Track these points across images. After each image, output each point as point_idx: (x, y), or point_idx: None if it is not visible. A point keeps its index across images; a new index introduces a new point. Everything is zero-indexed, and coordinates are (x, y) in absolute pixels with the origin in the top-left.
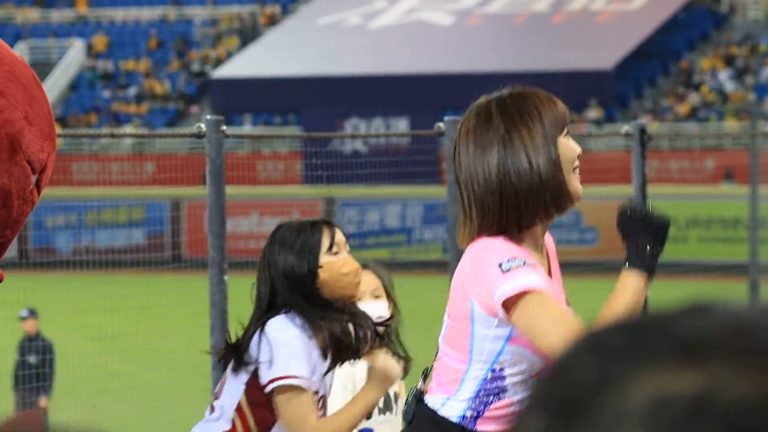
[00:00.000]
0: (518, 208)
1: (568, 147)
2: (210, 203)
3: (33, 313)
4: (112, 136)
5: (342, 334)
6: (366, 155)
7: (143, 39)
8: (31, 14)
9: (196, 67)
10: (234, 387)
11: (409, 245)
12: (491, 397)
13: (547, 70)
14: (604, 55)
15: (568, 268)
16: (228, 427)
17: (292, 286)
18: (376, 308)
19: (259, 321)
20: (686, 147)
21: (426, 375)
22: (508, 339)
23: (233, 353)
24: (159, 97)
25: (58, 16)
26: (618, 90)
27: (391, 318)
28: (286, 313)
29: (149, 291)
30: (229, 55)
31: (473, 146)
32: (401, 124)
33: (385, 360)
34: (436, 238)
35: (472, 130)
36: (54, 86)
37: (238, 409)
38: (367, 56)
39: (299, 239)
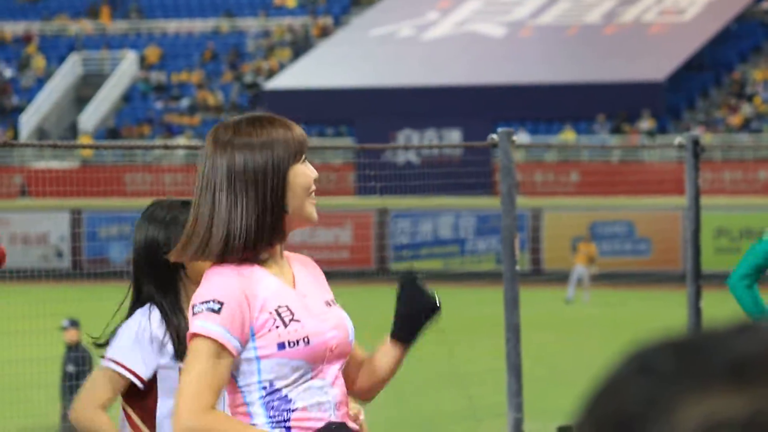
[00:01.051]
0: (257, 232)
1: (305, 174)
2: None
3: (74, 324)
4: (166, 147)
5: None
6: (419, 166)
7: (196, 50)
8: (85, 26)
9: (248, 78)
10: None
11: (462, 256)
12: (286, 413)
13: (599, 81)
14: (656, 66)
15: (621, 278)
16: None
17: (156, 264)
18: None
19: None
20: (739, 158)
21: None
22: (258, 357)
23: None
24: (211, 109)
25: (112, 27)
26: (670, 101)
27: None
28: (149, 305)
29: None
30: (282, 66)
31: (211, 170)
32: (454, 136)
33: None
34: (489, 249)
35: (209, 155)
36: (107, 98)
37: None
38: (419, 68)
39: (170, 216)
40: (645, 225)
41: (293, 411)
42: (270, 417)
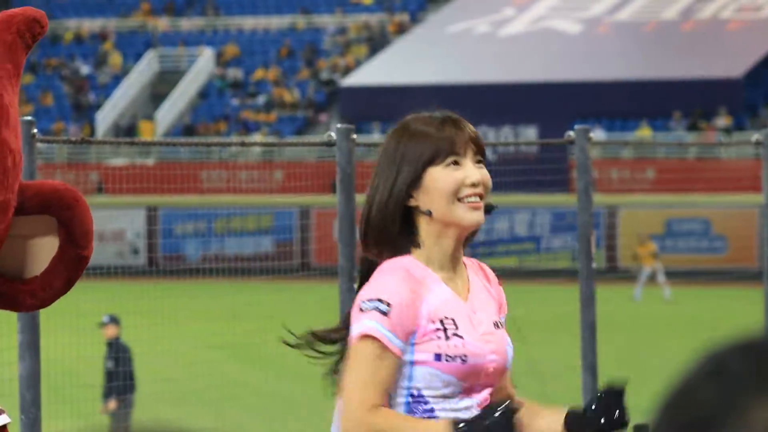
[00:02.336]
0: (392, 232)
1: (444, 177)
2: (340, 212)
3: (114, 320)
4: (243, 144)
5: None
6: (495, 163)
7: (272, 47)
8: (161, 23)
9: (324, 75)
10: None
11: (537, 253)
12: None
13: (676, 78)
14: (733, 63)
15: (697, 276)
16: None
17: None
18: None
19: None
20: None
21: None
22: (413, 362)
23: None
24: (288, 106)
25: (188, 24)
26: (747, 98)
27: None
28: None
29: (277, 299)
30: (358, 63)
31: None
32: (530, 133)
33: None
34: (564, 247)
35: (382, 148)
36: (183, 94)
37: None
38: (495, 64)
39: None
40: (721, 222)
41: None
42: None
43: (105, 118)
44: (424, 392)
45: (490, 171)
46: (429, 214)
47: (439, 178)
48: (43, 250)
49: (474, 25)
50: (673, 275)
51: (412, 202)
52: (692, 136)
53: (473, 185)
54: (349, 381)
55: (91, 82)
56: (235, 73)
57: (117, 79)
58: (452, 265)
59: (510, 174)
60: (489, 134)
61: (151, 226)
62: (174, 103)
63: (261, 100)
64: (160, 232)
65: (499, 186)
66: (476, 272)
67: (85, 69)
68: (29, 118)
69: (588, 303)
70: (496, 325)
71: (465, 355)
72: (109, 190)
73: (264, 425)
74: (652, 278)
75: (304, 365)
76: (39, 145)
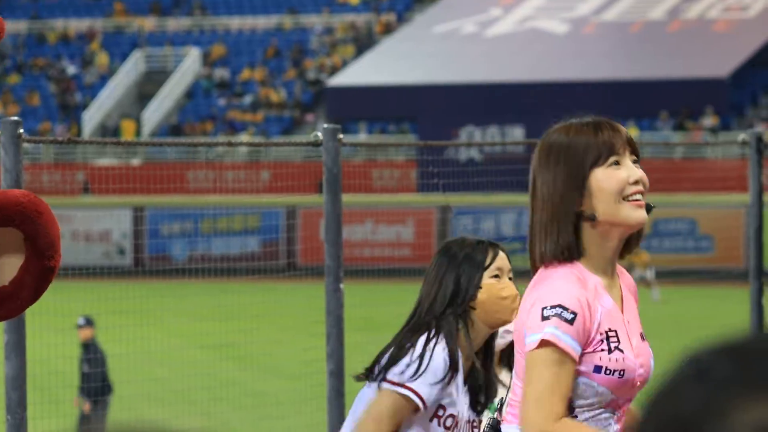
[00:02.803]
0: (562, 240)
1: (608, 177)
2: (326, 211)
3: (89, 322)
4: (229, 144)
5: (468, 375)
6: (481, 163)
7: (259, 47)
8: (147, 23)
9: (311, 75)
10: (368, 395)
11: (524, 253)
12: None
13: (662, 78)
14: (719, 63)
15: (683, 275)
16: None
17: (451, 299)
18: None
19: (409, 340)
20: None
21: (501, 405)
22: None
23: (374, 372)
24: (274, 105)
25: (175, 24)
26: (734, 98)
27: None
28: (435, 333)
29: (264, 299)
30: (345, 63)
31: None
32: (516, 132)
33: None
34: None
35: (535, 161)
36: (170, 94)
37: None
38: (482, 64)
39: (465, 255)
40: (707, 222)
41: None
42: None
43: (91, 118)
44: (574, 402)
45: (476, 171)
46: (593, 218)
47: (604, 178)
48: (9, 261)
49: (461, 25)
50: (659, 275)
51: (577, 208)
52: (678, 136)
53: (636, 183)
54: (531, 390)
55: (77, 82)
56: (221, 73)
57: (103, 79)
58: (612, 270)
59: (497, 174)
60: (475, 134)
61: (137, 226)
62: (160, 103)
63: (247, 100)
64: (146, 232)
65: (485, 186)
66: (622, 280)
67: (71, 69)
68: (16, 118)
69: None
70: (642, 336)
71: (623, 370)
72: (95, 191)
73: (252, 425)
74: (642, 280)
75: (292, 365)
76: (25, 145)
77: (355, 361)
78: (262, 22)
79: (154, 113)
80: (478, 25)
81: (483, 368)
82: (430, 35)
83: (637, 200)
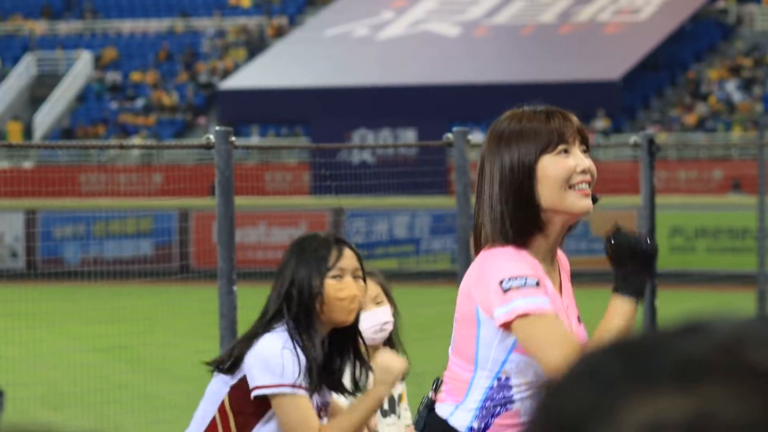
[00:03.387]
0: (508, 222)
1: (556, 165)
2: (219, 214)
3: None
4: (121, 147)
5: (323, 367)
6: (374, 166)
7: (151, 51)
8: (38, 26)
9: (203, 78)
10: (217, 390)
11: (417, 256)
12: (498, 408)
13: (554, 81)
14: (611, 66)
15: (577, 278)
16: (205, 426)
17: (300, 298)
18: (378, 315)
19: (256, 335)
20: (694, 157)
21: (437, 385)
22: (513, 348)
23: (226, 361)
24: (167, 109)
25: (66, 27)
26: (625, 101)
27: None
28: (284, 330)
29: (157, 302)
30: (237, 66)
31: (485, 158)
32: (409, 135)
33: (388, 356)
34: (444, 249)
35: (486, 145)
36: (62, 98)
37: (221, 410)
38: (374, 67)
39: (315, 254)
40: (600, 224)
41: (505, 410)
42: (482, 406)
43: None
44: (512, 380)
45: (369, 173)
46: (539, 204)
47: (551, 165)
48: None
49: (353, 28)
50: None
51: (524, 193)
52: None
53: (583, 172)
54: (540, 337)
55: None
56: (113, 76)
57: None
58: (552, 257)
59: (390, 177)
60: (368, 137)
61: (29, 229)
62: (52, 106)
63: (140, 103)
64: (39, 235)
65: (378, 188)
66: (564, 266)
67: None
68: None
69: None
70: (578, 319)
71: None
72: None
73: (145, 427)
74: None
75: (185, 367)
76: None
77: None
78: (154, 25)
79: (46, 117)
80: (370, 28)
81: (340, 355)
82: (322, 38)
83: (583, 189)
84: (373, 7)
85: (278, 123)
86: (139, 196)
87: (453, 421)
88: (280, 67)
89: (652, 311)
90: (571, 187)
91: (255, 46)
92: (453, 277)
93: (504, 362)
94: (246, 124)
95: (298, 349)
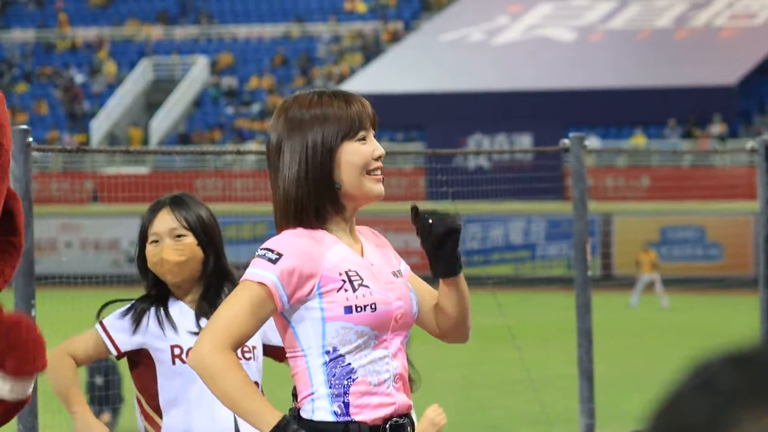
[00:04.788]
0: (306, 203)
1: (356, 152)
2: None
3: None
4: (238, 152)
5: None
6: (489, 171)
7: (267, 56)
8: (155, 31)
9: (319, 83)
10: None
11: (533, 261)
12: (346, 382)
13: (669, 86)
14: (727, 70)
15: (692, 283)
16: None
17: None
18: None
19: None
20: None
21: (294, 393)
22: (324, 319)
23: None
24: None
25: (182, 33)
26: (741, 105)
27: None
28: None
29: None
30: (352, 71)
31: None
32: (524, 140)
33: (437, 412)
34: (560, 255)
35: (271, 125)
36: (178, 103)
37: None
38: (490, 72)
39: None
40: (716, 230)
41: (353, 382)
42: (330, 386)
43: (99, 126)
44: (340, 349)
45: (484, 179)
46: (338, 187)
47: (352, 152)
48: None
49: (468, 33)
50: (668, 283)
51: (323, 176)
52: (687, 144)
53: (378, 159)
54: (216, 315)
55: (85, 90)
56: (229, 81)
57: (111, 88)
58: (350, 230)
59: (505, 182)
60: (484, 142)
61: None
62: (168, 111)
63: (255, 108)
64: None
65: (494, 194)
66: (366, 236)
67: (79, 77)
68: (24, 126)
69: (584, 310)
70: (394, 274)
71: (374, 303)
72: (104, 199)
73: None
74: (649, 286)
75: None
76: (34, 153)
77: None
78: (269, 30)
79: (162, 122)
80: (485, 33)
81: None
82: (438, 43)
83: (377, 175)
84: (488, 12)
85: (394, 128)
86: (256, 202)
87: (317, 417)
88: (396, 73)
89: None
90: (368, 173)
91: (370, 51)
92: (569, 283)
93: (323, 335)
94: None
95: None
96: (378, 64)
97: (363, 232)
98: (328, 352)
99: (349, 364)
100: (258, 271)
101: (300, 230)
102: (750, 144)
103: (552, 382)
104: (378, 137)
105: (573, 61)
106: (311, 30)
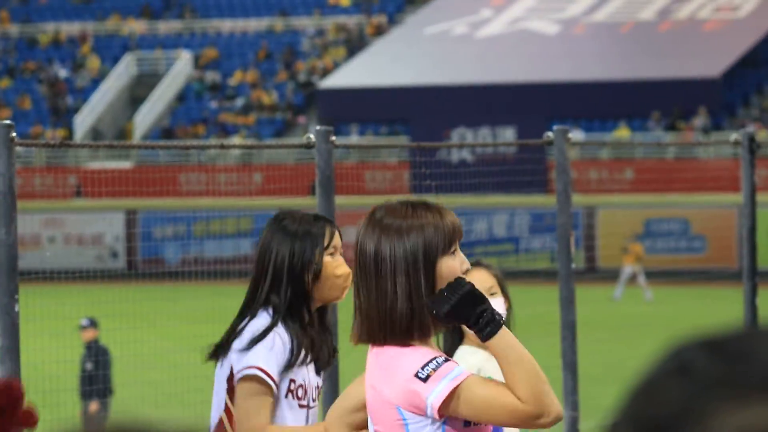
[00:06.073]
0: (418, 317)
1: (450, 266)
2: (320, 213)
3: (93, 323)
4: (222, 147)
5: (311, 347)
6: (473, 164)
7: (250, 50)
8: (138, 26)
9: (303, 77)
10: (218, 390)
11: (516, 254)
12: None
13: (654, 78)
14: (711, 63)
15: (676, 276)
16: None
17: (290, 275)
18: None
19: (243, 317)
20: None
21: None
22: (443, 428)
23: (219, 349)
24: (266, 108)
25: (166, 27)
26: (725, 98)
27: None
28: (269, 313)
29: None
30: (336, 65)
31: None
32: (508, 134)
33: None
34: (543, 248)
35: (378, 233)
36: (161, 97)
37: (227, 411)
38: (473, 65)
39: (302, 229)
40: (700, 222)
41: None
42: None
43: (83, 121)
44: None
45: (468, 172)
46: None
47: (446, 266)
48: None
49: (452, 26)
50: (652, 275)
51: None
52: (670, 136)
53: (466, 272)
54: (495, 401)
55: (69, 85)
56: (213, 75)
57: (95, 83)
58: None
59: (488, 175)
60: (467, 135)
61: (130, 229)
62: (152, 106)
63: (239, 102)
64: (139, 235)
65: (477, 187)
66: None
67: (63, 72)
68: (7, 121)
69: (567, 303)
70: None
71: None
72: (87, 194)
73: None
74: (632, 279)
75: None
76: (17, 148)
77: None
78: (253, 24)
79: (146, 116)
80: (469, 26)
81: (319, 335)
82: (422, 37)
83: None
84: (472, 6)
85: (377, 122)
86: (239, 196)
87: None
88: (380, 66)
89: (753, 310)
90: None
91: (354, 44)
92: (553, 276)
93: None
94: (345, 123)
95: (285, 333)
96: (362, 58)
97: None
98: None
99: None
100: (457, 371)
101: (420, 349)
102: (734, 136)
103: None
104: (362, 131)
105: (556, 54)
106: (295, 24)
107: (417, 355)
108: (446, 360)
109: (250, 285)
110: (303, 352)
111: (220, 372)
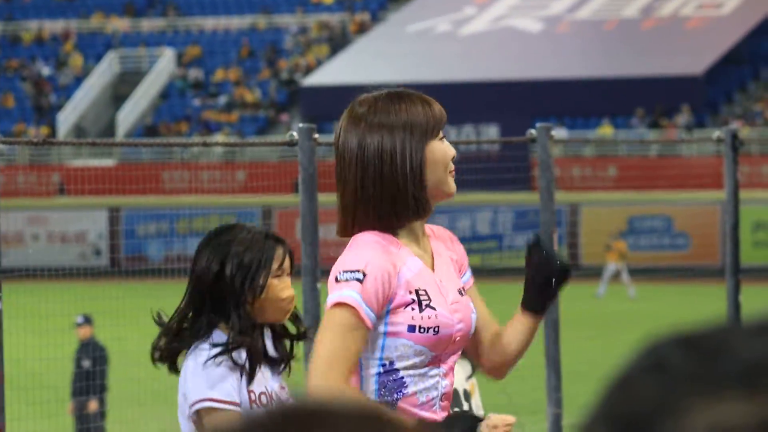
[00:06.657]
0: (382, 209)
1: (442, 150)
2: (302, 211)
3: (88, 320)
4: (204, 144)
5: (258, 353)
6: (456, 162)
7: (233, 47)
8: (121, 23)
9: (285, 75)
10: (183, 427)
11: (500, 251)
12: (395, 395)
13: (637, 75)
14: (694, 60)
15: (659, 273)
16: None
17: (234, 295)
18: None
19: (187, 343)
20: None
21: None
22: (386, 333)
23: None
24: (249, 106)
25: (149, 25)
26: (708, 95)
27: None
28: (208, 343)
29: None
30: (319, 62)
31: (344, 145)
32: (491, 131)
33: (500, 419)
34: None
35: (344, 129)
36: (144, 95)
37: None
38: (456, 63)
39: (250, 252)
40: (683, 219)
41: (402, 395)
42: (379, 396)
43: (66, 119)
44: (396, 364)
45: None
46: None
47: (437, 150)
48: None
49: (435, 24)
50: (635, 273)
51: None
52: (654, 134)
53: (452, 158)
54: (319, 351)
55: (52, 83)
56: (196, 73)
57: (78, 80)
58: (421, 234)
59: (472, 172)
60: (451, 133)
61: (113, 226)
62: (135, 104)
63: (222, 100)
64: (122, 232)
65: (460, 184)
66: (436, 238)
67: (46, 70)
68: None
69: None
70: (460, 292)
71: (437, 327)
72: (70, 192)
73: None
74: (615, 276)
75: None
76: (1, 146)
77: None
78: (236, 22)
79: (129, 114)
80: (452, 23)
81: (273, 339)
82: (405, 34)
83: (453, 173)
84: (455, 3)
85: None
86: (223, 194)
87: None
88: (363, 63)
89: (736, 307)
90: (448, 171)
91: (337, 42)
92: None
93: (383, 348)
94: (328, 121)
95: (232, 355)
96: (345, 56)
97: (433, 235)
98: (384, 365)
99: (402, 377)
100: (347, 294)
101: (374, 241)
102: (717, 133)
103: (519, 372)
104: None
105: (540, 51)
106: (278, 21)
107: (361, 255)
108: (363, 277)
109: (186, 304)
110: (248, 366)
111: (180, 412)
